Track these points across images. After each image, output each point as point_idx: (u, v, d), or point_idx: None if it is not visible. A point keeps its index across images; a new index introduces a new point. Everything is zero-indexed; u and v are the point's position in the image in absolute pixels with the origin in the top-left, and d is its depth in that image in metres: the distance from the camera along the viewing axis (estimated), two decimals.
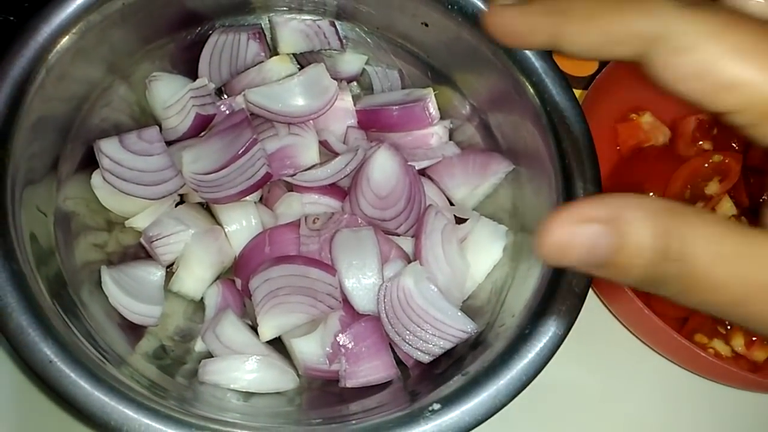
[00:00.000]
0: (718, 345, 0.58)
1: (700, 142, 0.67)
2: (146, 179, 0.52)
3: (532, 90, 0.53)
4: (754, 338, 0.57)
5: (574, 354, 0.61)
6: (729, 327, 0.58)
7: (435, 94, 0.60)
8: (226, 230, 0.54)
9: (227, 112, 0.58)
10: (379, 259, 0.52)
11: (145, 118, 0.59)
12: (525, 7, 0.28)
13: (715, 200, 0.61)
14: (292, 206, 0.55)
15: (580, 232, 0.24)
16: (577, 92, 0.71)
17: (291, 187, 0.57)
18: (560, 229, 0.25)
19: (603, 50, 0.27)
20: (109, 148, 0.52)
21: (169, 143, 0.57)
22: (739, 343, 0.57)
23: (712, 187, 0.62)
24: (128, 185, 0.52)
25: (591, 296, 0.63)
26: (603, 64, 0.68)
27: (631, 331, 0.62)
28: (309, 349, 0.51)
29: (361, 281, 0.51)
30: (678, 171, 0.63)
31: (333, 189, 0.56)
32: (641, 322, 0.56)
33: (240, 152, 0.53)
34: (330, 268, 0.51)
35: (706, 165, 0.63)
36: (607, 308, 0.64)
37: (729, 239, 0.24)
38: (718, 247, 0.24)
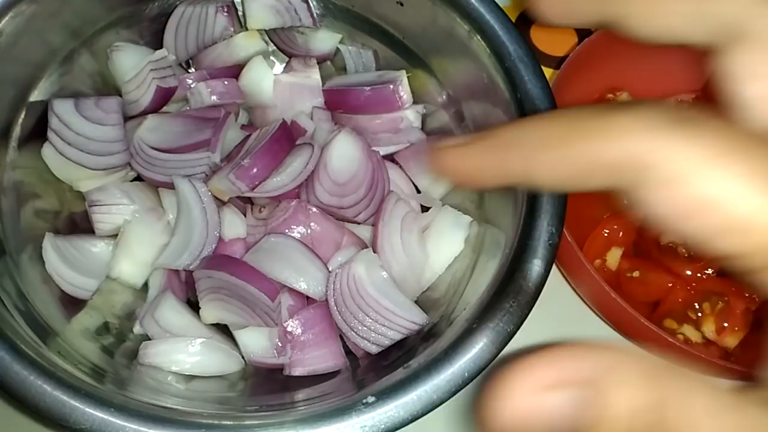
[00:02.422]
0: (688, 331, 0.56)
1: None
2: (91, 147, 0.51)
3: (504, 76, 0.51)
4: (725, 324, 0.55)
5: (537, 337, 0.59)
6: (700, 313, 0.55)
7: (409, 78, 0.57)
8: (169, 217, 0.52)
9: (214, 97, 0.56)
10: (315, 257, 0.50)
11: (107, 89, 0.57)
12: (468, 147, 0.25)
13: None
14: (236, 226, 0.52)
15: (546, 401, 0.19)
16: (549, 71, 0.70)
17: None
18: (519, 398, 0.19)
19: (573, 184, 0.22)
20: (61, 108, 0.51)
21: (130, 118, 0.55)
22: (710, 329, 0.55)
23: None
24: (71, 150, 0.50)
25: (558, 278, 0.61)
26: (579, 41, 0.65)
27: (598, 315, 0.60)
28: (255, 341, 0.49)
29: (302, 280, 0.49)
30: None
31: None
32: (608, 305, 0.54)
33: (191, 146, 0.51)
34: (272, 290, 0.48)
35: None
36: (575, 291, 0.61)
37: (731, 414, 0.19)
38: (720, 423, 0.19)
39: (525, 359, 0.19)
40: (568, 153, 0.22)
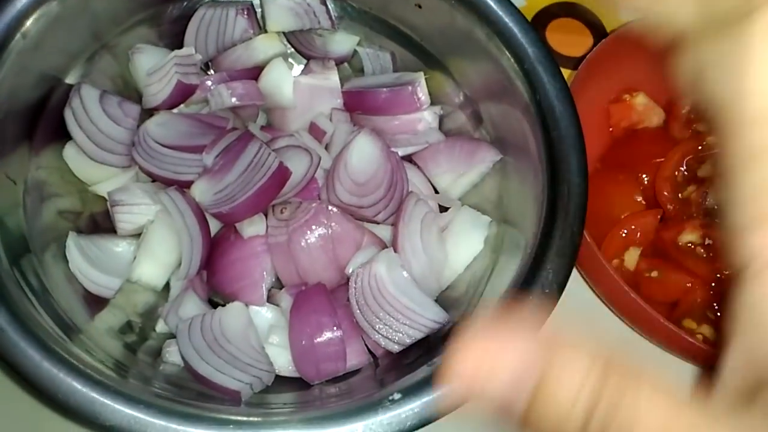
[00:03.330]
0: (707, 331, 0.56)
1: (695, 124, 0.63)
2: (97, 138, 0.52)
3: (523, 77, 0.52)
4: None
5: None
6: (719, 313, 0.55)
7: (426, 79, 0.58)
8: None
9: (234, 99, 0.56)
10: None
11: (128, 91, 0.58)
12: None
13: (708, 182, 0.59)
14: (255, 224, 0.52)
15: (498, 363, 0.21)
16: (567, 72, 0.70)
17: None
18: (473, 357, 0.22)
19: None
20: (87, 94, 0.52)
21: (146, 112, 0.56)
22: None
23: (706, 170, 0.60)
24: (79, 133, 0.52)
25: (576, 278, 0.61)
26: (596, 43, 0.65)
27: (617, 315, 0.60)
28: (283, 357, 0.49)
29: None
30: (671, 152, 0.60)
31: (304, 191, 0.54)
32: (627, 305, 0.54)
33: (191, 147, 0.52)
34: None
35: (700, 147, 0.60)
36: (593, 290, 0.61)
37: (679, 422, 0.21)
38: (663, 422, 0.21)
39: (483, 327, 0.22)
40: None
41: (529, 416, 0.21)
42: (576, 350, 0.21)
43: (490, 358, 0.22)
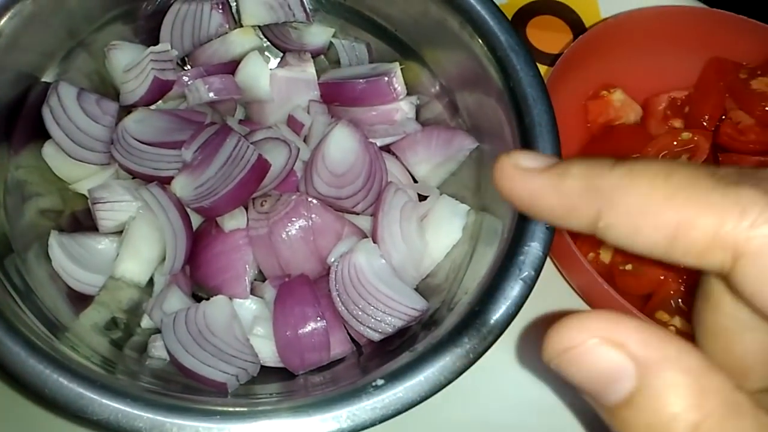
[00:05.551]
0: (679, 322, 0.57)
1: (671, 121, 0.65)
2: (76, 136, 0.52)
3: (496, 65, 0.52)
4: None
5: (533, 326, 0.60)
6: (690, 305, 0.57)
7: (402, 70, 0.58)
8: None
9: (211, 94, 0.56)
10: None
11: (106, 89, 0.58)
12: (559, 180, 0.23)
13: None
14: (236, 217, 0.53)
15: (596, 352, 0.20)
16: (545, 68, 0.71)
17: None
18: (574, 337, 0.20)
19: (653, 252, 0.21)
20: (64, 92, 0.53)
21: (124, 109, 0.56)
22: None
23: None
24: (58, 131, 0.52)
25: (552, 272, 0.62)
26: (574, 38, 0.66)
27: (591, 307, 0.61)
28: (268, 347, 0.50)
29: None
30: (646, 148, 0.61)
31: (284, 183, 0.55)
32: (601, 298, 0.55)
33: (169, 143, 0.52)
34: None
35: (675, 143, 0.61)
36: (569, 284, 0.62)
37: None
38: None
39: (590, 312, 0.20)
40: (662, 216, 0.20)
41: (618, 414, 0.20)
42: (676, 363, 0.20)
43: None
